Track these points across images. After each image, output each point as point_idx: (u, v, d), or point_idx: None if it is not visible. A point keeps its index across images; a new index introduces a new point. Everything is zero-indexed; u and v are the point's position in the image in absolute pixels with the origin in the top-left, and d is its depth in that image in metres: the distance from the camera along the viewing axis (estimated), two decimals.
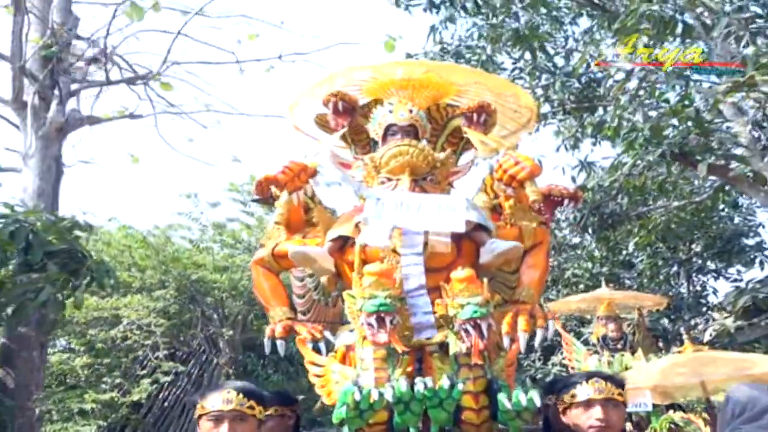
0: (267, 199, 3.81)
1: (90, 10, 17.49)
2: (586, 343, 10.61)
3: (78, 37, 9.59)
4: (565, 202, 3.93)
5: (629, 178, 10.37)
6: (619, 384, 3.09)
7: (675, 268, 15.58)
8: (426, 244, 3.50)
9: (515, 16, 10.96)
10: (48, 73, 8.78)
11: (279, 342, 3.48)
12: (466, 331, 3.13)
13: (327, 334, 3.60)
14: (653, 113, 9.06)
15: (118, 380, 12.75)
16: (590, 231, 13.88)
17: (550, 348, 13.36)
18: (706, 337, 12.52)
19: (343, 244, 3.72)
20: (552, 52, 11.52)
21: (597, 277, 14.16)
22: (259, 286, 3.96)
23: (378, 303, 3.16)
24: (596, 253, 14.40)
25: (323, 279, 3.97)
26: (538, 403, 3.09)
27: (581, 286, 14.36)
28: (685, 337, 8.23)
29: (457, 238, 3.65)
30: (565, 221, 13.52)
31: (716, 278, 17.47)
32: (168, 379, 12.93)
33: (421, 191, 3.74)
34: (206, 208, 14.49)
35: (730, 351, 10.17)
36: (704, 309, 14.76)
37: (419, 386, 3.09)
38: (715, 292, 17.53)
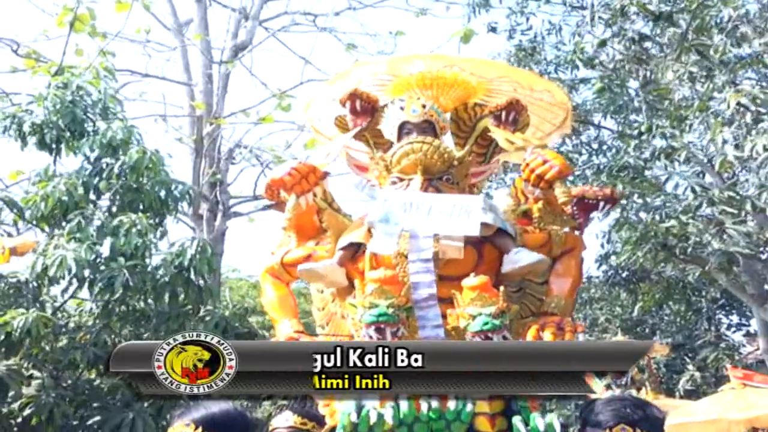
0: (279, 204, 3.51)
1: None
2: None
3: (233, 163, 13.06)
4: (601, 204, 3.59)
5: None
6: (654, 430, 2.42)
7: (695, 314, 16.73)
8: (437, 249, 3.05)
9: None
10: (214, 194, 12.07)
11: None
12: None
13: None
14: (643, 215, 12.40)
15: None
16: (620, 284, 17.02)
17: None
18: (680, 385, 13.97)
19: (355, 251, 3.22)
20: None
21: (626, 321, 15.97)
22: (266, 296, 3.47)
23: (378, 313, 2.83)
24: (625, 302, 16.16)
25: (333, 290, 3.46)
26: (557, 428, 2.68)
27: (611, 330, 15.88)
28: (649, 388, 11.06)
29: (478, 243, 3.13)
30: (596, 278, 15.06)
31: (741, 318, 20.19)
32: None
33: (434, 191, 3.23)
34: None
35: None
36: (724, 346, 15.59)
37: (424, 407, 2.68)
38: (738, 327, 20.34)
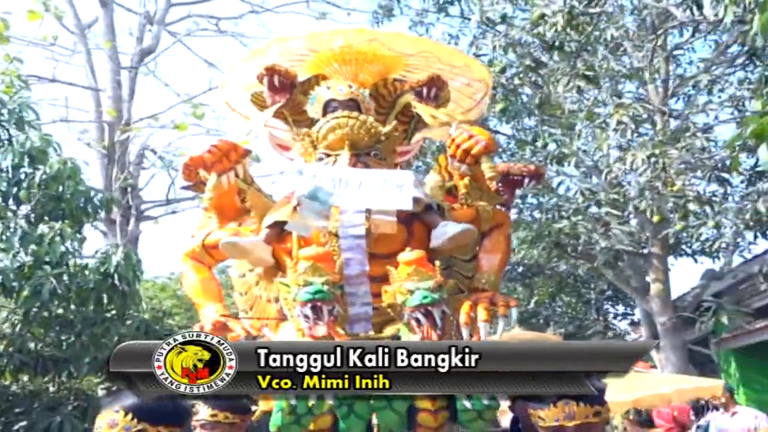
0: (197, 185, 3.28)
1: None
2: None
3: (143, 168, 13.20)
4: (526, 181, 3.53)
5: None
6: (596, 401, 2.44)
7: (585, 305, 18.24)
8: (369, 225, 2.90)
9: None
10: (126, 199, 12.20)
11: None
12: (417, 320, 2.67)
13: (266, 331, 3.07)
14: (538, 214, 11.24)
15: None
16: (517, 279, 18.14)
17: None
18: None
19: (281, 230, 3.03)
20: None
21: (523, 314, 16.37)
22: (188, 281, 3.27)
23: (313, 291, 2.68)
24: (521, 296, 16.78)
25: (260, 271, 3.29)
26: (501, 402, 2.64)
27: None
28: None
29: (407, 219, 3.02)
30: None
31: (626, 308, 19.19)
32: None
33: (363, 167, 3.09)
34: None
35: None
36: (611, 335, 17.13)
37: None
38: (624, 316, 20.22)
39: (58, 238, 7.67)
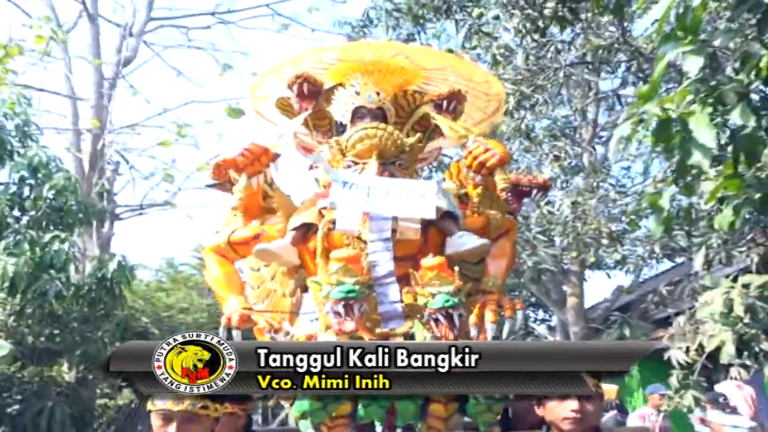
0: (224, 184, 3.39)
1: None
2: None
3: (119, 174, 14.13)
4: (533, 192, 3.68)
5: None
6: (596, 375, 2.51)
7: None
8: (394, 230, 2.99)
9: None
10: (102, 203, 12.40)
11: (235, 332, 3.07)
12: (437, 320, 2.80)
13: (286, 324, 3.13)
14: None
15: None
16: None
17: None
18: None
19: (306, 231, 3.11)
20: None
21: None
22: (212, 274, 3.32)
23: (346, 290, 2.81)
24: None
25: (282, 269, 3.36)
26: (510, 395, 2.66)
27: None
28: None
29: (424, 226, 3.06)
30: None
31: (545, 314, 19.59)
32: None
33: (389, 176, 3.16)
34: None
35: None
36: (530, 340, 20.99)
37: None
38: (543, 321, 19.88)
39: (62, 245, 8.64)
